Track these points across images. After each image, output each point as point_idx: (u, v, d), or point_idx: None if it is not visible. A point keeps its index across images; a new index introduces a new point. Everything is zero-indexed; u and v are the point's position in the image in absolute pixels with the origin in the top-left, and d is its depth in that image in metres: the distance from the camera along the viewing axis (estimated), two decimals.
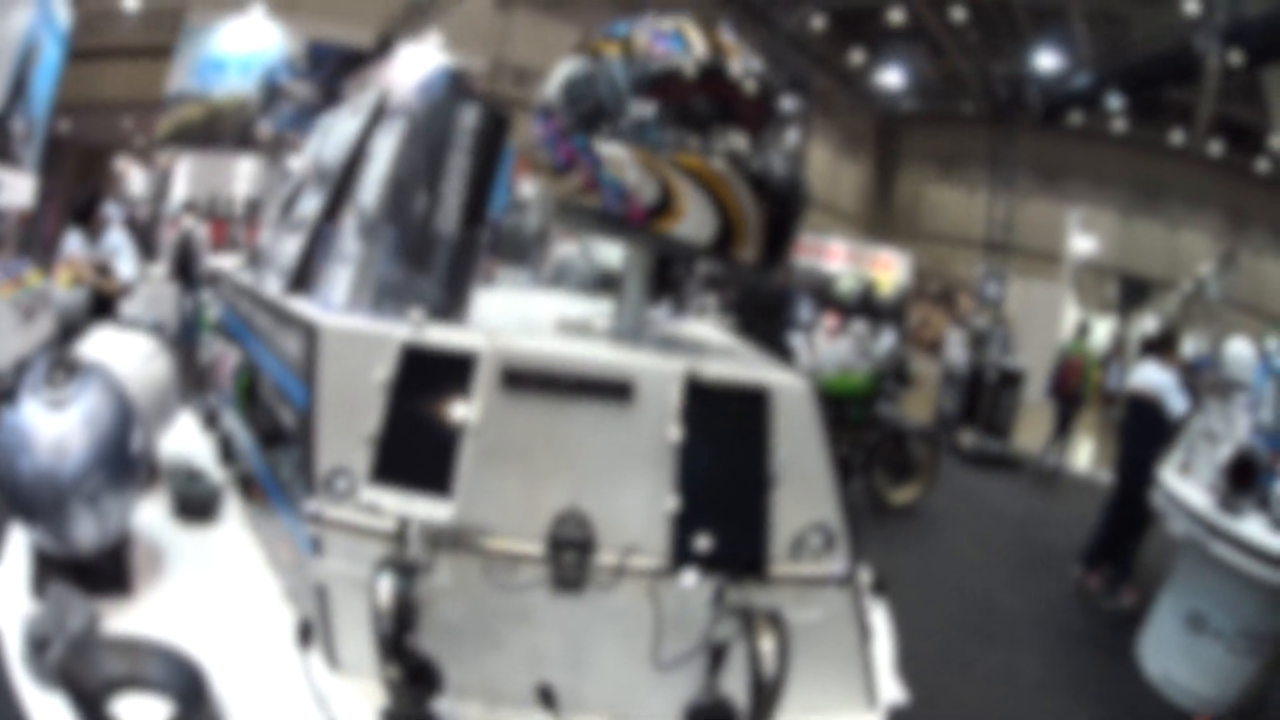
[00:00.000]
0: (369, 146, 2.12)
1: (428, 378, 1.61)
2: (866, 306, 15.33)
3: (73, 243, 7.10)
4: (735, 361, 2.12)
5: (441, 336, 1.66)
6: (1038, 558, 8.04)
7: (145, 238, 13.53)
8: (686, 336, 2.42)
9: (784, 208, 1.89)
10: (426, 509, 1.51)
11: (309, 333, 1.83)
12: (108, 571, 1.86)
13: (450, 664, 1.54)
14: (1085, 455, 13.51)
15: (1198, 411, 6.16)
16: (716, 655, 1.68)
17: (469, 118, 1.85)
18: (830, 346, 9.77)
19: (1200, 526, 5.04)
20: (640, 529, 1.71)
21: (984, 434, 12.54)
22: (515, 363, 1.74)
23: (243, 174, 19.10)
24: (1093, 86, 20.46)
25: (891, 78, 24.17)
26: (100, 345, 2.42)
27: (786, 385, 1.86)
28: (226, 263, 3.56)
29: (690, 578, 1.61)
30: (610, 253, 3.17)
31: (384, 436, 1.56)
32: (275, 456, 2.07)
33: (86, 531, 1.75)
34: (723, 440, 1.72)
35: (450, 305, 1.84)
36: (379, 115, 2.20)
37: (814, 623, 1.80)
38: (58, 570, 1.80)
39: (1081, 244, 23.25)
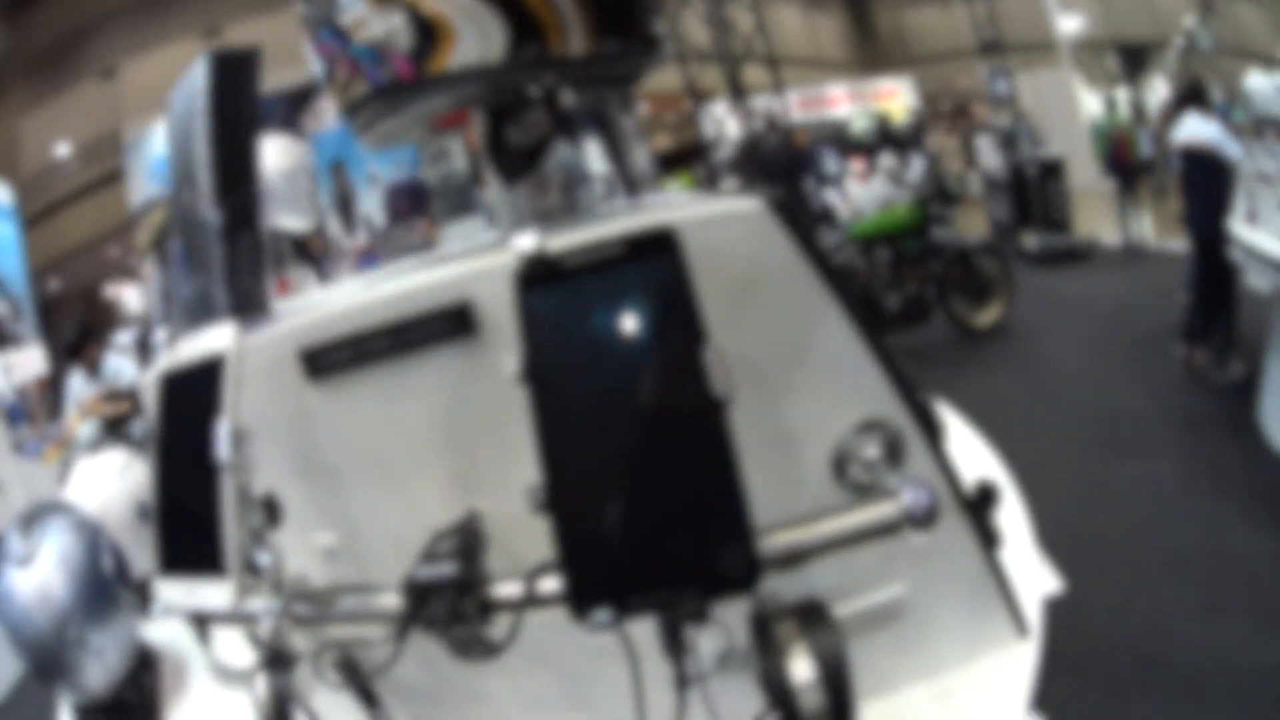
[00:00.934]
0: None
1: (186, 410, 1.15)
2: (887, 139, 15.04)
3: (75, 383, 7.10)
4: (651, 210, 1.51)
5: (190, 346, 1.17)
6: (1138, 345, 7.71)
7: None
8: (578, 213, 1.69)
9: None
10: (206, 594, 1.10)
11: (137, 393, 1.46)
12: (132, 703, 1.86)
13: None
14: (1147, 228, 13.07)
15: (1246, 157, 5.78)
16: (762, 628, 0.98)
17: (198, 75, 1.43)
18: (864, 189, 9.48)
19: None
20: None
21: (1045, 231, 12.14)
22: (310, 337, 1.25)
23: None
24: None
25: None
26: (75, 480, 2.48)
27: (734, 211, 1.22)
28: None
29: (603, 616, 0.94)
30: None
31: (158, 509, 1.16)
32: None
33: (94, 675, 1.76)
34: (610, 352, 0.97)
35: (243, 302, 1.39)
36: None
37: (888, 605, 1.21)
38: (93, 714, 1.83)
39: (1068, 24, 22.73)
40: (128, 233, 21.42)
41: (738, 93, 12.81)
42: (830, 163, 12.00)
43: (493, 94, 1.55)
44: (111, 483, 2.38)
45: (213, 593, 1.09)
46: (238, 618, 1.13)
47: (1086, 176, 16.58)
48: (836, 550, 0.96)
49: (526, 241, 1.02)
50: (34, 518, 1.83)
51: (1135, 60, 23.43)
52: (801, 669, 0.87)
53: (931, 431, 1.26)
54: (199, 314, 1.43)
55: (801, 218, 1.28)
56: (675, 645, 0.95)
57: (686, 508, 0.92)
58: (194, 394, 1.11)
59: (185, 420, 1.14)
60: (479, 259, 1.30)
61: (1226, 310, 6.51)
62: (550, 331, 0.97)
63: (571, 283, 0.99)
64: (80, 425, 6.53)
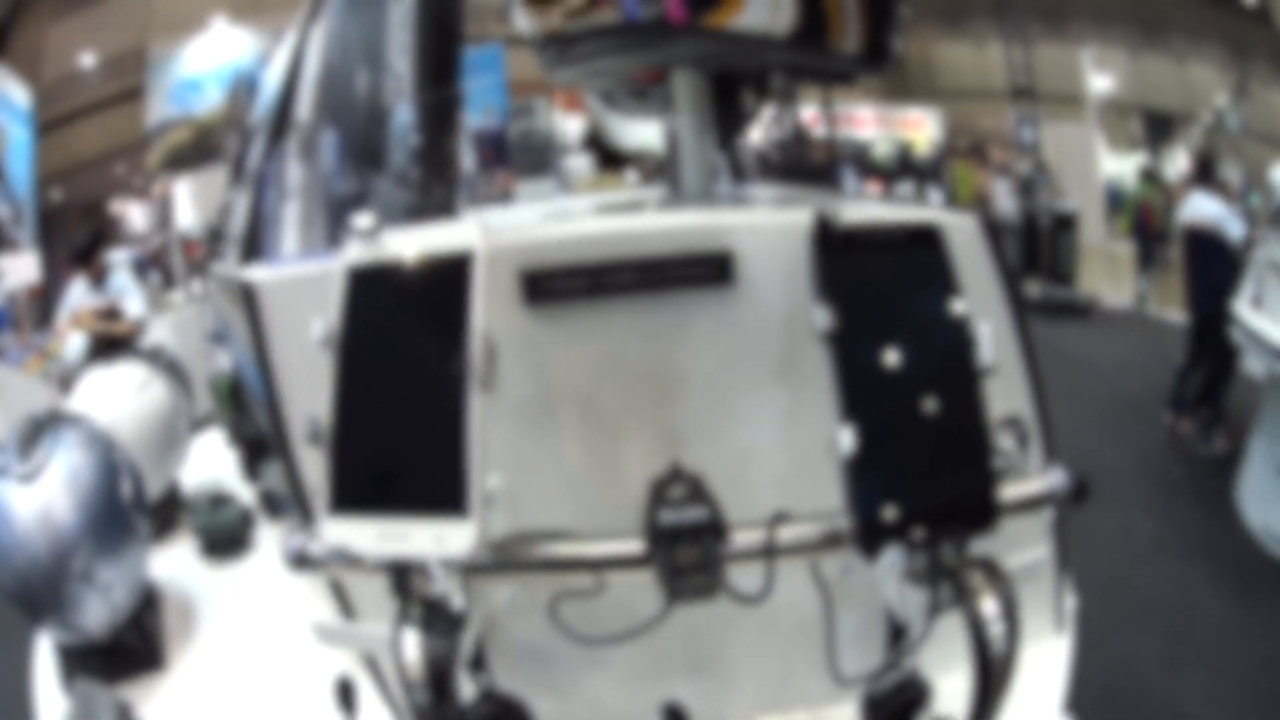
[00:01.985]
0: (305, 51, 1.65)
1: (396, 316, 1.00)
2: (906, 168, 15.00)
3: (76, 292, 6.87)
4: (857, 204, 1.52)
5: (409, 241, 1.02)
6: (1127, 406, 7.85)
7: (163, 269, 13.53)
8: (757, 193, 1.77)
9: None
10: (430, 541, 0.94)
11: (245, 296, 1.27)
12: (134, 647, 1.58)
13: (540, 699, 1.09)
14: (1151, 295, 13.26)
15: (1259, 243, 5.86)
16: (897, 632, 1.15)
17: None
18: None
19: None
20: (780, 479, 1.19)
21: (1049, 281, 12.22)
22: (538, 259, 1.17)
23: None
24: None
25: None
26: (85, 391, 2.15)
27: (956, 222, 1.27)
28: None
29: (894, 557, 1.06)
30: (645, 134, 2.60)
31: (339, 428, 0.98)
32: (271, 469, 1.69)
33: (94, 614, 1.47)
34: (895, 321, 1.05)
35: (429, 202, 1.31)
36: (314, 13, 1.72)
37: (1031, 565, 1.25)
38: (80, 659, 1.53)
39: (1099, 83, 22.82)
40: (138, 152, 21.27)
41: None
42: (849, 183, 12.03)
43: (741, 61, 1.51)
44: (129, 398, 2.09)
45: (437, 536, 0.93)
46: (446, 566, 0.99)
47: (1095, 234, 16.79)
48: (1009, 515, 1.09)
49: (829, 211, 1.08)
50: (40, 429, 1.56)
51: (1160, 128, 23.58)
52: (990, 606, 1.02)
53: (1048, 429, 1.40)
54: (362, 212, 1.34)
55: (1000, 241, 1.36)
56: (936, 575, 1.05)
57: (955, 463, 1.05)
58: (406, 295, 0.99)
59: (394, 322, 0.99)
60: (739, 213, 1.33)
61: (1220, 387, 6.63)
62: (840, 294, 1.05)
63: (858, 252, 1.07)
64: (71, 337, 6.52)
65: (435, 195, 1.25)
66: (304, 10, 1.84)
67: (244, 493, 2.18)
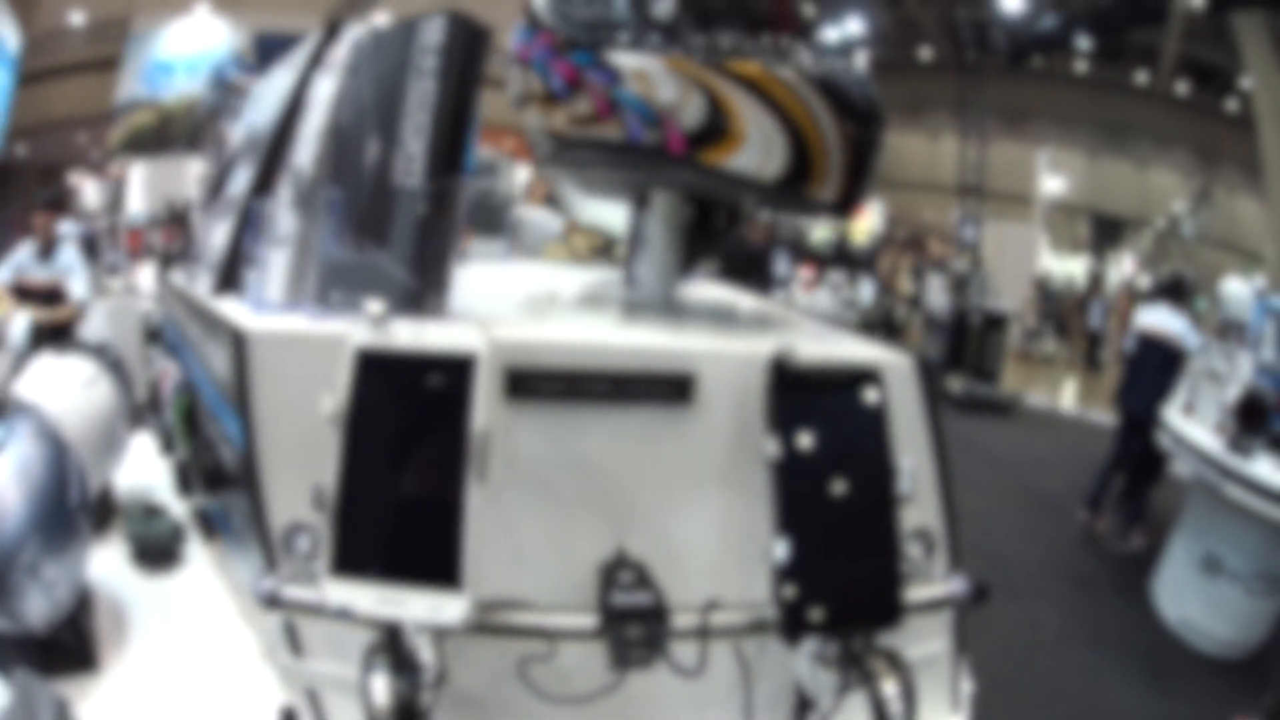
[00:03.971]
0: (307, 97, 1.71)
1: (402, 400, 1.10)
2: (841, 256, 15.21)
3: (22, 254, 6.76)
4: (803, 334, 1.70)
5: (415, 336, 1.12)
6: (1043, 503, 7.99)
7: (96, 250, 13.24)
8: (710, 302, 1.94)
9: (866, 125, 1.48)
10: (427, 608, 1.04)
11: (236, 342, 1.33)
12: (69, 645, 1.57)
13: None
14: (1070, 395, 13.54)
15: (1199, 353, 6.12)
16: (804, 703, 1.31)
17: (433, 32, 1.40)
18: (809, 299, 9.54)
19: (1211, 468, 5.01)
20: (710, 573, 1.33)
21: (972, 379, 12.43)
22: (522, 359, 1.29)
23: (196, 176, 18.63)
24: (1060, 28, 20.27)
25: (851, 27, 23.81)
26: (34, 378, 2.10)
27: (893, 362, 1.46)
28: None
29: (812, 645, 1.22)
30: (604, 213, 2.77)
31: (344, 498, 1.07)
32: (223, 499, 1.72)
33: (36, 607, 1.45)
34: (830, 449, 1.23)
35: (424, 290, 1.36)
36: (318, 60, 1.76)
37: (928, 656, 1.44)
38: (17, 649, 1.51)
39: (1051, 184, 23.54)
40: (103, 125, 20.97)
41: None
42: (782, 265, 12.16)
43: (723, 194, 1.66)
44: (76, 393, 2.06)
45: (433, 604, 1.04)
46: (429, 626, 1.09)
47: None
48: (913, 614, 1.27)
49: (785, 349, 1.26)
50: None
51: (1109, 231, 24.16)
52: (890, 688, 1.18)
53: (955, 542, 1.56)
54: (353, 280, 1.40)
55: (931, 377, 1.54)
56: (845, 661, 1.22)
57: (869, 572, 1.23)
58: (413, 382, 1.09)
59: (399, 409, 1.09)
60: (702, 337, 1.49)
61: (1143, 487, 6.84)
62: (792, 428, 1.22)
63: (803, 387, 1.26)
64: (16, 320, 6.39)
65: (430, 281, 1.34)
66: (305, 51, 1.88)
67: (176, 506, 2.18)
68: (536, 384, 1.30)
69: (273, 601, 1.14)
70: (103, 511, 2.08)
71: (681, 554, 1.35)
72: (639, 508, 1.36)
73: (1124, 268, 23.91)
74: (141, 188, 15.30)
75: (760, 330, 1.64)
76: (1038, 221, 22.73)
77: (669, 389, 1.35)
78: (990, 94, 22.62)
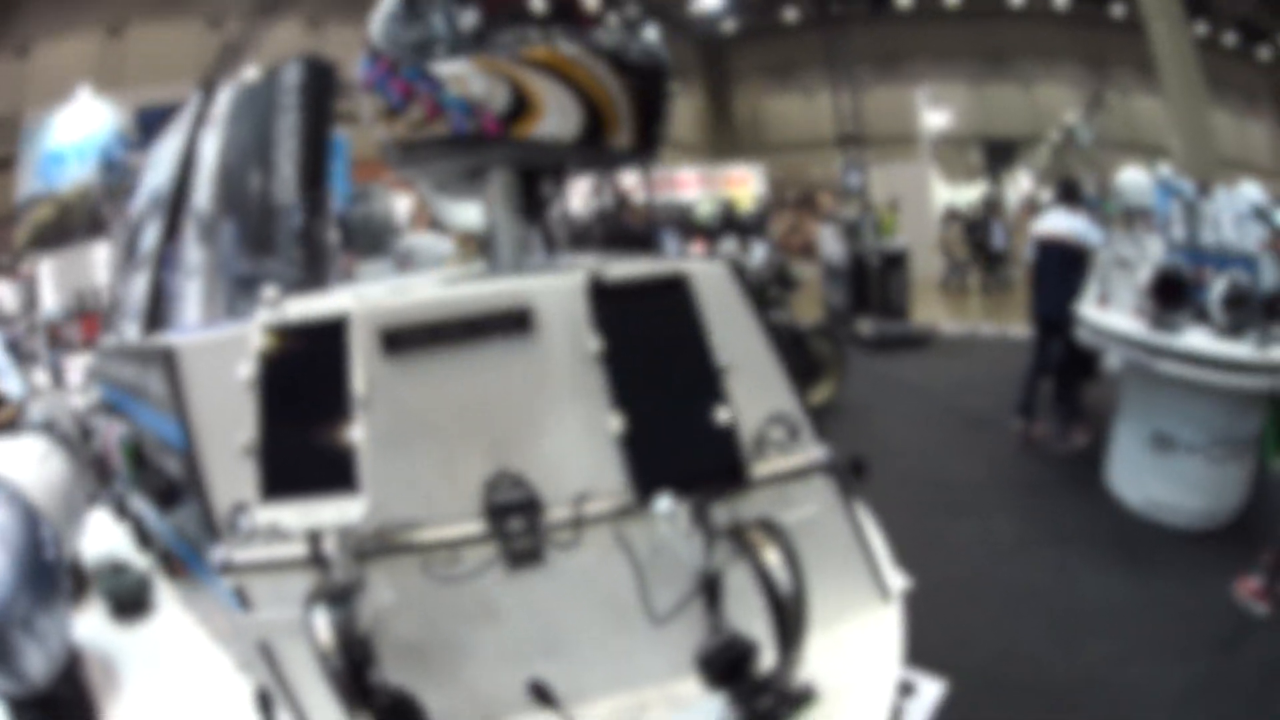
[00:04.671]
0: (196, 152, 1.93)
1: (298, 360, 1.40)
2: (730, 225, 15.44)
3: None
4: (632, 264, 1.93)
5: (304, 307, 1.45)
6: (975, 421, 8.09)
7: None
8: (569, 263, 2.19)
9: (649, 81, 1.78)
10: (335, 512, 1.31)
11: (165, 359, 1.61)
12: (69, 699, 1.70)
13: (425, 689, 1.34)
14: (983, 317, 13.87)
15: (1106, 245, 6.28)
16: (711, 589, 1.50)
17: (290, 75, 1.66)
18: None
19: (1140, 350, 5.13)
20: (583, 472, 1.55)
21: (882, 318, 12.61)
22: (392, 320, 1.54)
23: (101, 261, 18.39)
24: None
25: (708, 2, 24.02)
26: None
27: (703, 270, 1.71)
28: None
29: (665, 503, 1.45)
30: (467, 214, 2.97)
31: (264, 442, 1.34)
32: (178, 519, 1.88)
33: (35, 662, 1.56)
34: (651, 341, 1.57)
35: (307, 280, 1.63)
36: (201, 119, 2.01)
37: (806, 521, 1.63)
38: (26, 709, 1.62)
39: (934, 119, 23.81)
40: (6, 227, 20.57)
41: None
42: (671, 244, 12.37)
43: (541, 160, 1.92)
44: (32, 468, 2.19)
45: (339, 508, 1.32)
46: (336, 541, 1.34)
47: (932, 267, 17.64)
48: (774, 486, 1.59)
49: (595, 268, 1.58)
50: None
51: (1001, 155, 24.53)
52: (772, 556, 1.39)
53: (813, 421, 1.78)
54: (253, 288, 1.64)
55: (743, 277, 1.78)
56: (703, 524, 1.46)
57: (705, 436, 1.51)
58: (305, 344, 1.40)
59: (297, 367, 1.40)
60: (534, 278, 1.72)
61: (1074, 386, 7.01)
62: (610, 327, 1.54)
63: (622, 297, 1.58)
64: None
65: (313, 273, 1.61)
66: (189, 113, 2.09)
67: (139, 560, 2.31)
68: (405, 338, 1.54)
69: (227, 566, 1.40)
70: (76, 580, 2.18)
71: (552, 460, 1.57)
72: (509, 429, 1.58)
73: (1021, 186, 24.35)
74: (52, 282, 15.10)
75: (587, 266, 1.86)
76: (925, 157, 23.08)
77: (511, 323, 1.59)
78: (860, 43, 22.80)
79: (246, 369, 1.36)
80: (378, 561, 1.39)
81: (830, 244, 13.85)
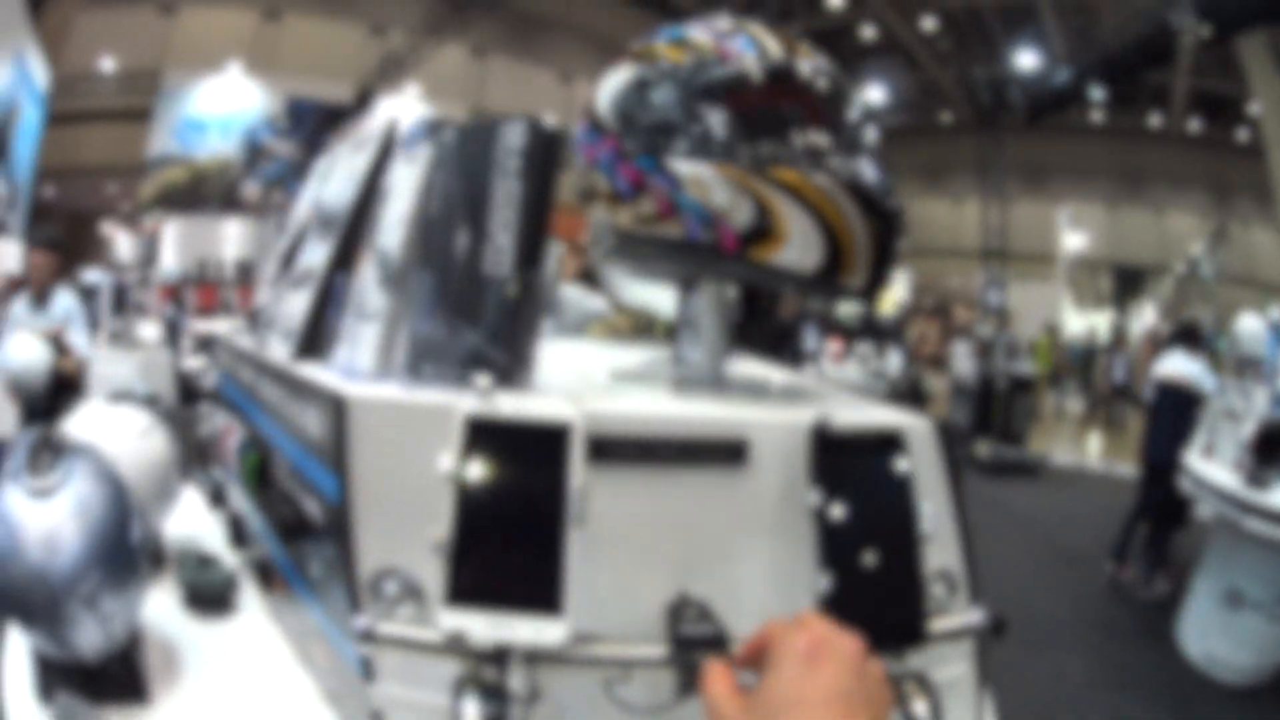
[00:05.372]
0: (382, 182, 1.89)
1: (506, 461, 1.33)
2: (869, 328, 15.29)
3: (18, 310, 6.32)
4: (837, 404, 1.89)
5: (518, 406, 1.36)
6: (1070, 558, 8.02)
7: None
8: (748, 376, 2.09)
9: (889, 223, 1.67)
10: (532, 631, 1.25)
11: (334, 407, 1.52)
12: (118, 676, 1.64)
13: None
14: (1095, 451, 13.53)
15: (1216, 394, 6.20)
16: None
17: (514, 136, 1.58)
18: (838, 370, 9.54)
19: (1230, 504, 5.06)
20: (765, 611, 1.41)
21: (1000, 442, 12.43)
22: (603, 430, 1.47)
23: (230, 236, 18.91)
24: (1074, 80, 20.41)
25: (872, 95, 23.95)
26: (88, 422, 2.17)
27: (915, 426, 1.67)
28: (220, 327, 3.35)
29: None
30: (648, 294, 2.94)
31: (458, 542, 1.28)
32: (299, 548, 1.83)
33: (89, 638, 1.53)
34: (866, 499, 1.50)
35: (513, 365, 1.56)
36: (389, 147, 1.97)
37: (952, 679, 1.60)
38: (62, 674, 1.59)
39: (1073, 240, 23.44)
40: (134, 177, 21.19)
41: None
42: (811, 339, 12.29)
43: (770, 285, 1.90)
44: (131, 442, 2.15)
45: (537, 628, 1.25)
46: (541, 652, 1.28)
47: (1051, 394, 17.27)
48: (938, 641, 1.49)
49: (821, 415, 1.51)
50: (57, 450, 1.61)
51: (1130, 282, 23.99)
52: (920, 708, 1.37)
53: (975, 581, 1.73)
54: (443, 356, 1.61)
55: (950, 436, 1.75)
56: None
57: (897, 598, 1.46)
58: (516, 446, 1.35)
59: (506, 469, 1.35)
60: (752, 408, 1.71)
61: (1165, 534, 6.88)
62: (825, 478, 1.49)
63: (840, 448, 1.52)
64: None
65: (520, 360, 1.55)
66: (375, 137, 2.06)
67: (228, 557, 2.27)
68: (615, 449, 1.49)
69: (368, 636, 1.34)
70: (154, 558, 2.16)
71: (738, 595, 1.51)
72: (700, 556, 1.54)
73: (1146, 318, 23.79)
74: (175, 244, 15.54)
75: (800, 401, 1.85)
76: (1060, 279, 22.70)
77: (726, 453, 1.55)
78: (1010, 153, 22.67)
79: (448, 461, 1.30)
80: (552, 669, 1.33)
81: (963, 361, 13.72)
